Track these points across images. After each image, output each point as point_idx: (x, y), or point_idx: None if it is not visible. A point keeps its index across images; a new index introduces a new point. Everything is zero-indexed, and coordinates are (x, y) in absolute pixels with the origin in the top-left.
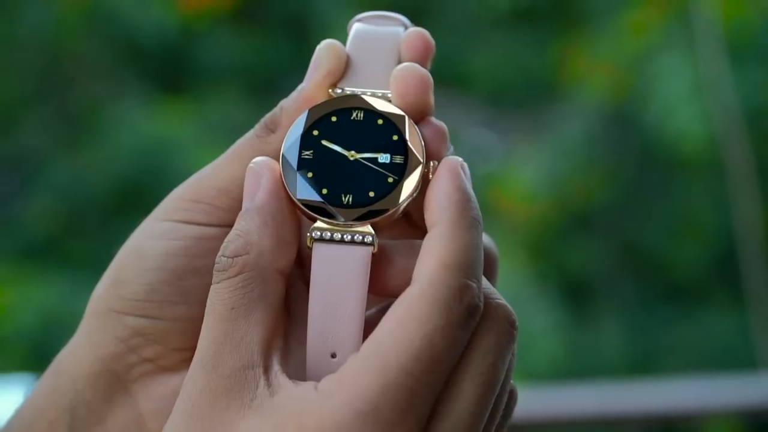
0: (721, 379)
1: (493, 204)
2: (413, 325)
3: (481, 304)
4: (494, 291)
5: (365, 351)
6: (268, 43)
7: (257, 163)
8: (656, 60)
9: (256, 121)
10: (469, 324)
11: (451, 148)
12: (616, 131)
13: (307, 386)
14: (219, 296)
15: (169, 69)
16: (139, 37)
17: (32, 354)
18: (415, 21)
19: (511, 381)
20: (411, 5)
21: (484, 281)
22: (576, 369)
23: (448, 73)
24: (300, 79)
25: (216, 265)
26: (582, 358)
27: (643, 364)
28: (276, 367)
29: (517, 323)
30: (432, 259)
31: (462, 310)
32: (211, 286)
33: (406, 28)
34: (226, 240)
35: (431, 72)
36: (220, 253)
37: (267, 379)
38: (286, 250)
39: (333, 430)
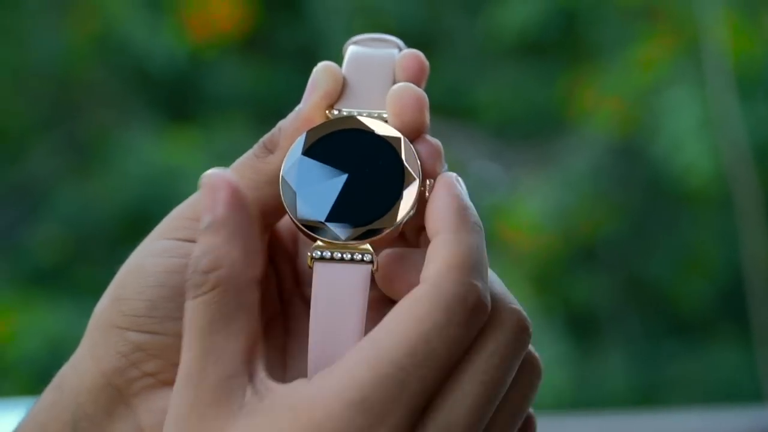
0: (726, 412)
1: (499, 236)
2: (411, 322)
3: (487, 304)
4: (508, 295)
5: (361, 345)
6: (278, 73)
7: (210, 177)
8: (665, 94)
9: None
10: (472, 323)
11: (446, 166)
12: (623, 165)
13: (299, 382)
14: (196, 312)
15: (177, 97)
16: (149, 65)
17: (39, 379)
18: (422, 52)
19: (530, 407)
20: (418, 37)
21: (502, 286)
22: (581, 401)
23: (454, 104)
24: None
25: (188, 282)
26: (587, 391)
27: (648, 397)
28: (261, 374)
29: (530, 330)
30: (436, 262)
31: (465, 309)
32: (186, 303)
33: (400, 50)
34: (194, 256)
35: (426, 92)
36: (191, 269)
37: (253, 386)
38: (255, 258)
39: (323, 420)
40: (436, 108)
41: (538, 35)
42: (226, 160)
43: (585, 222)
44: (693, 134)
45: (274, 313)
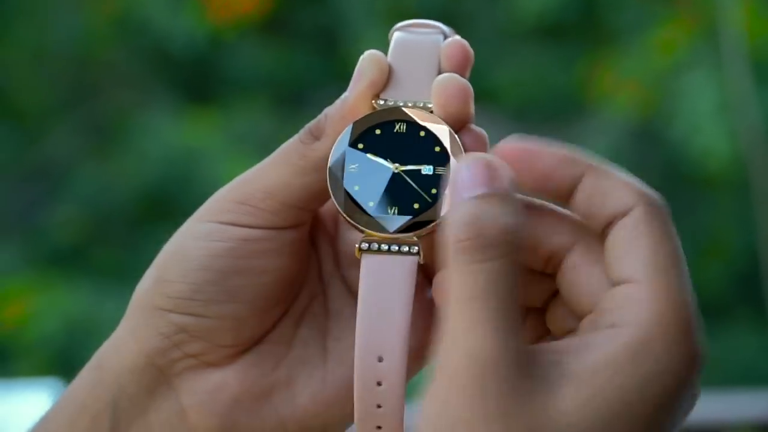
0: (743, 395)
1: None
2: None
3: None
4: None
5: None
6: (297, 55)
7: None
8: (683, 77)
9: (284, 132)
10: None
11: None
12: (641, 148)
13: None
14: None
15: (197, 79)
16: (168, 46)
17: (57, 360)
18: None
19: None
20: (438, 19)
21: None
22: None
23: (474, 86)
24: (328, 92)
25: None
26: None
27: None
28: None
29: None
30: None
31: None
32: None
33: (445, 36)
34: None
35: (469, 81)
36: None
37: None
38: None
39: None
40: None
41: (558, 18)
42: (245, 142)
43: None
44: (710, 118)
45: (316, 294)
